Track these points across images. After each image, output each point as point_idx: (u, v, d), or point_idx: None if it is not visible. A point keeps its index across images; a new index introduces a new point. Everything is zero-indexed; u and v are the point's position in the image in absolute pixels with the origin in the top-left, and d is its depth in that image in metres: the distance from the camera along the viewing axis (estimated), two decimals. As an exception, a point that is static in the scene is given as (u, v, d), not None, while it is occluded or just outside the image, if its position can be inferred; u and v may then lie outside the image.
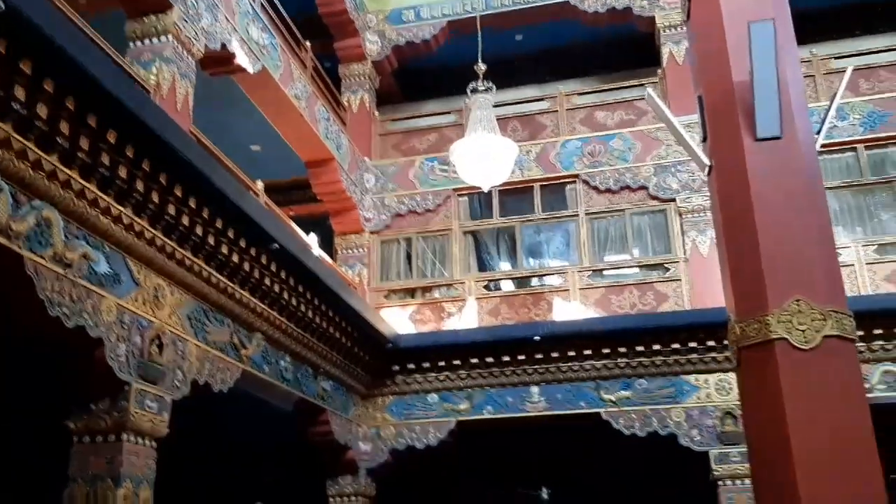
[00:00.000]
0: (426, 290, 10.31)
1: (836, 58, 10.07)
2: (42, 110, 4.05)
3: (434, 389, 9.11)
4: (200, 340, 5.80)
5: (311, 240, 8.46)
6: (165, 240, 5.25)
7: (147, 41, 6.42)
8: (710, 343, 8.39)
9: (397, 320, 9.73)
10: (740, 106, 4.61)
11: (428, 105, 11.63)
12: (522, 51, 11.67)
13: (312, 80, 9.65)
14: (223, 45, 7.25)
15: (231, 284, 6.09)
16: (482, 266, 10.59)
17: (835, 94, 5.16)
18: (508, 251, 10.58)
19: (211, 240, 5.68)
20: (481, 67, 8.55)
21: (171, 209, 5.20)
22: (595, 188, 10.11)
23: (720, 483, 8.14)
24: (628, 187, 9.99)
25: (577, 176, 10.22)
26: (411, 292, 10.35)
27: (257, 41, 8.01)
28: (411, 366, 9.12)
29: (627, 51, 11.01)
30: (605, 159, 10.17)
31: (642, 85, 10.27)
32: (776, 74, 4.46)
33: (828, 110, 4.99)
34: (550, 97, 10.94)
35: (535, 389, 8.84)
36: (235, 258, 6.00)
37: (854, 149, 9.58)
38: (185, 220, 5.35)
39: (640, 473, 10.07)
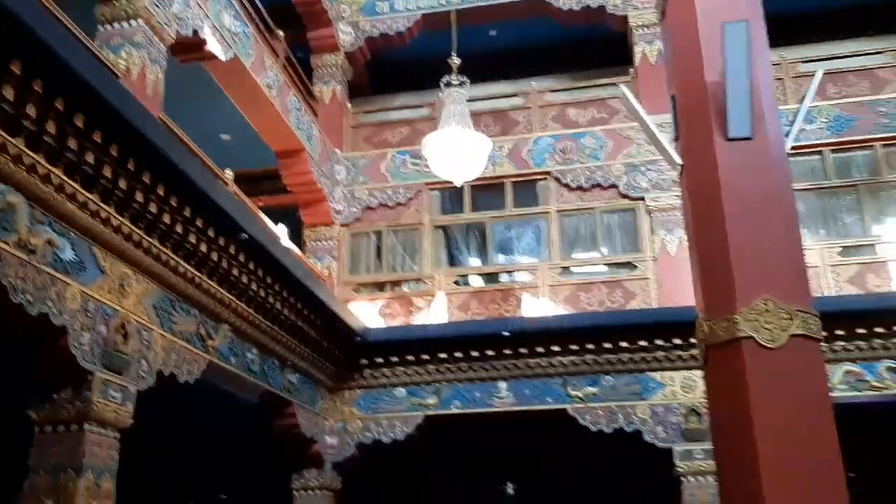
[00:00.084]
0: (396, 283, 10.28)
1: (805, 61, 10.20)
2: (8, 92, 3.97)
3: (402, 384, 9.10)
4: (166, 330, 5.73)
5: (280, 231, 8.39)
6: (132, 228, 5.18)
7: (117, 25, 6.31)
8: (677, 341, 8.48)
9: (366, 314, 9.69)
10: (713, 106, 4.63)
11: (400, 98, 11.58)
12: (496, 46, 11.67)
13: (284, 69, 9.57)
14: (195, 32, 7.15)
15: (199, 274, 6.03)
16: (452, 261, 10.58)
17: (804, 97, 5.22)
18: (479, 247, 10.58)
19: (179, 229, 5.60)
20: (455, 61, 8.53)
21: (139, 197, 5.12)
22: (566, 186, 10.15)
23: (683, 479, 8.23)
24: (599, 185, 10.04)
25: (548, 173, 10.25)
26: (381, 286, 10.31)
27: (229, 28, 7.91)
28: (379, 360, 9.09)
29: (601, 49, 11.06)
30: (577, 157, 10.21)
31: (615, 84, 10.27)
32: (748, 75, 4.50)
33: (798, 113, 5.04)
34: (523, 93, 10.95)
35: (502, 385, 8.86)
36: (203, 248, 5.93)
37: (820, 152, 9.73)
38: (153, 208, 5.28)
39: (606, 469, 10.16)
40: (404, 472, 10.67)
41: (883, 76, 10.00)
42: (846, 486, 3.90)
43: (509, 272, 10.29)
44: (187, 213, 5.60)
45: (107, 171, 4.78)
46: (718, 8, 4.81)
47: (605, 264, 9.90)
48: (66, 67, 4.13)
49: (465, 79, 8.42)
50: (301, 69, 10.39)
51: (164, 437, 8.76)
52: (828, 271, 9.05)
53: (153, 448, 8.63)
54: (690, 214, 4.81)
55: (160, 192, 5.26)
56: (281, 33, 9.54)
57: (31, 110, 4.13)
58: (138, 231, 5.24)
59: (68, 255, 4.67)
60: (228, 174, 7.26)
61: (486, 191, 10.38)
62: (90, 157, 4.62)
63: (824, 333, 4.35)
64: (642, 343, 8.56)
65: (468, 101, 8.72)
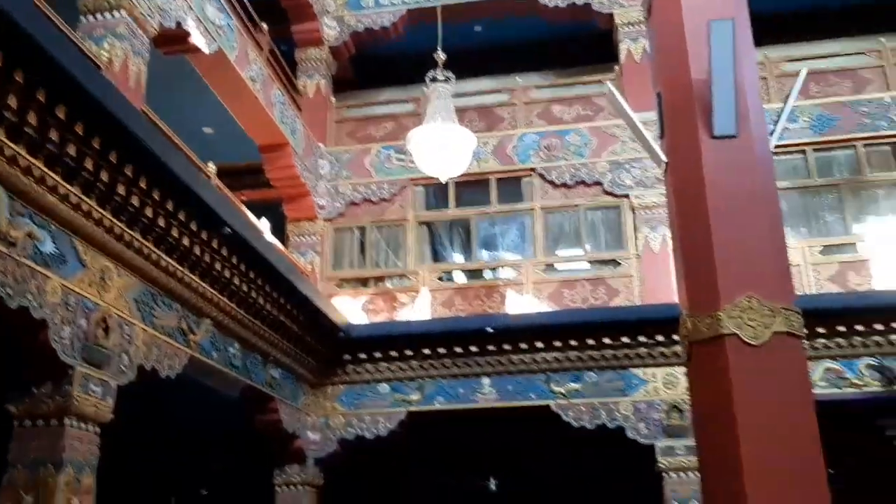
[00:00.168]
0: (379, 279, 10.26)
1: (788, 61, 10.26)
2: (-12, 82, 3.91)
3: (385, 379, 9.08)
4: (148, 325, 5.68)
5: (263, 225, 8.34)
6: (114, 220, 5.13)
7: (100, 16, 6.24)
8: (659, 338, 8.52)
9: (350, 309, 9.66)
10: (698, 103, 4.64)
11: (385, 93, 11.53)
12: (482, 42, 11.64)
13: (268, 63, 9.51)
14: (178, 24, 7.08)
15: (181, 268, 5.98)
16: (436, 257, 10.57)
17: (789, 95, 5.24)
18: (463, 243, 10.57)
19: (161, 222, 5.56)
20: (441, 56, 8.51)
21: (121, 189, 5.07)
22: (551, 182, 10.16)
23: (665, 475, 8.29)
24: (583, 182, 10.06)
25: (533, 170, 10.26)
26: (364, 282, 10.28)
27: (213, 21, 7.85)
28: (363, 355, 9.07)
29: (586, 46, 11.07)
30: (562, 154, 10.22)
31: (600, 81, 10.34)
32: (734, 73, 4.51)
33: (783, 111, 5.06)
34: (508, 90, 10.95)
35: (486, 381, 8.87)
36: (186, 242, 5.89)
37: (803, 151, 9.81)
38: (135, 201, 5.23)
39: (589, 466, 10.20)
40: (387, 468, 10.66)
41: (865, 76, 10.10)
42: (828, 483, 3.92)
43: (493, 269, 10.28)
44: (170, 206, 5.56)
45: (88, 164, 4.73)
46: (704, 6, 4.82)
47: (588, 261, 9.92)
48: (48, 58, 4.07)
49: (450, 74, 8.40)
50: (285, 63, 10.33)
51: (145, 432, 8.70)
52: (809, 270, 9.12)
53: (134, 443, 8.57)
54: (675, 212, 4.82)
55: (142, 184, 5.21)
56: (265, 26, 9.48)
57: (11, 101, 4.07)
58: (120, 224, 5.19)
59: (49, 247, 4.62)
60: (211, 168, 7.21)
61: (471, 187, 10.37)
62: (72, 149, 4.57)
63: (805, 331, 4.37)
64: (625, 340, 8.60)
65: (453, 96, 8.70)
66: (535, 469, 10.80)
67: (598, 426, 8.56)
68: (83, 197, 4.80)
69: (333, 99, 11.27)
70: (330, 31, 11.25)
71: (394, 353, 9.00)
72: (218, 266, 6.37)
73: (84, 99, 4.43)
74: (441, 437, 9.79)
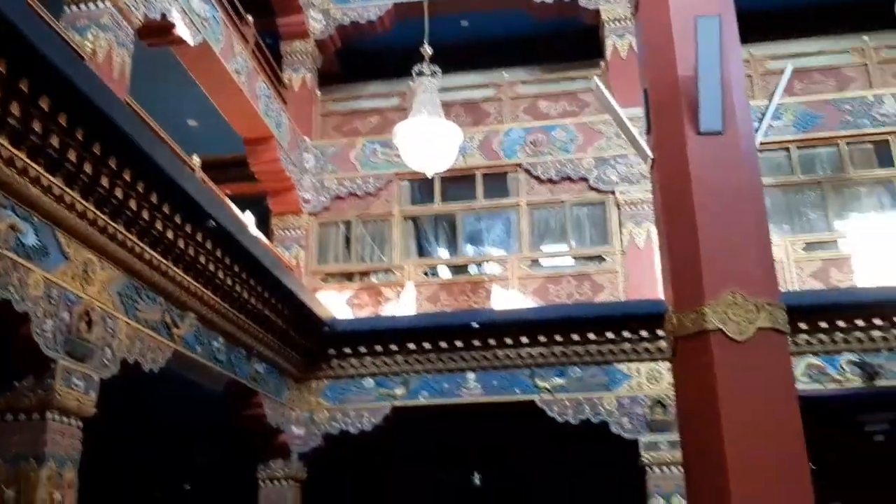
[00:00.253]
0: (364, 274, 10.24)
1: (772, 59, 10.31)
2: (-31, 72, 3.86)
3: (370, 374, 9.07)
4: (131, 318, 5.64)
5: (248, 219, 8.29)
6: (97, 213, 5.08)
7: (84, 6, 6.17)
8: (643, 333, 8.57)
9: (334, 304, 9.63)
10: (684, 100, 4.65)
11: (371, 87, 11.49)
12: (468, 37, 11.62)
13: (254, 55, 9.45)
14: (163, 15, 7.03)
15: (164, 262, 5.94)
16: (422, 252, 10.55)
17: (774, 92, 5.26)
18: (448, 238, 10.56)
19: (145, 215, 5.52)
20: (427, 50, 8.47)
21: (105, 181, 5.03)
22: (537, 178, 10.16)
23: (648, 470, 8.33)
24: (569, 178, 10.07)
25: (519, 165, 10.26)
26: (349, 276, 10.25)
27: (198, 13, 7.78)
28: (347, 350, 9.06)
29: (572, 42, 11.09)
30: (548, 149, 10.22)
31: (586, 77, 10.35)
32: (720, 70, 4.52)
33: (768, 108, 5.08)
34: (495, 85, 10.94)
35: (471, 376, 8.88)
36: (170, 235, 5.85)
37: (787, 148, 9.86)
38: (119, 194, 5.19)
39: (573, 460, 10.24)
40: (371, 462, 10.65)
41: (848, 74, 10.17)
42: (811, 480, 3.95)
43: (479, 264, 10.29)
44: (154, 199, 5.52)
45: (72, 155, 4.68)
46: (691, 2, 4.82)
47: (573, 257, 9.93)
48: (32, 48, 4.03)
49: (436, 68, 8.37)
50: (271, 56, 10.27)
51: (128, 426, 8.66)
52: (792, 266, 9.17)
53: (117, 438, 8.52)
54: (661, 207, 4.83)
55: (126, 177, 5.17)
56: (250, 19, 9.42)
57: (-7, 91, 4.03)
58: (103, 217, 5.14)
59: (31, 240, 4.58)
60: (196, 160, 7.16)
61: (457, 182, 10.35)
62: (55, 141, 4.53)
63: (788, 327, 4.39)
64: (609, 335, 8.63)
65: (439, 91, 8.67)
66: (520, 464, 10.82)
67: (583, 421, 8.59)
68: (66, 189, 4.76)
69: (319, 92, 11.22)
70: (316, 24, 11.20)
71: (379, 348, 8.99)
72: (202, 259, 6.33)
73: (68, 90, 4.38)
74: (426, 432, 9.80)
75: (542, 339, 8.71)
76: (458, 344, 8.83)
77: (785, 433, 4.01)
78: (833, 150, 9.84)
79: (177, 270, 6.11)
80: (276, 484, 8.72)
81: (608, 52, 10.47)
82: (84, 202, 4.93)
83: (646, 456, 8.35)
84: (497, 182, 10.36)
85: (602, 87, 5.16)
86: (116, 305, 5.45)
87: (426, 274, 10.08)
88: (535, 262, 9.91)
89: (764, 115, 5.02)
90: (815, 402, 7.64)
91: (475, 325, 8.72)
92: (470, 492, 11.36)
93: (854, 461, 9.65)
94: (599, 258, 9.72)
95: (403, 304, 9.73)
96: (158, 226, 5.67)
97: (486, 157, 10.36)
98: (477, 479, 11.15)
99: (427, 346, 8.88)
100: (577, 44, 11.03)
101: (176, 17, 7.24)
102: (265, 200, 10.34)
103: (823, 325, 8.31)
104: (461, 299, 9.68)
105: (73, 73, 4.38)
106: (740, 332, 4.18)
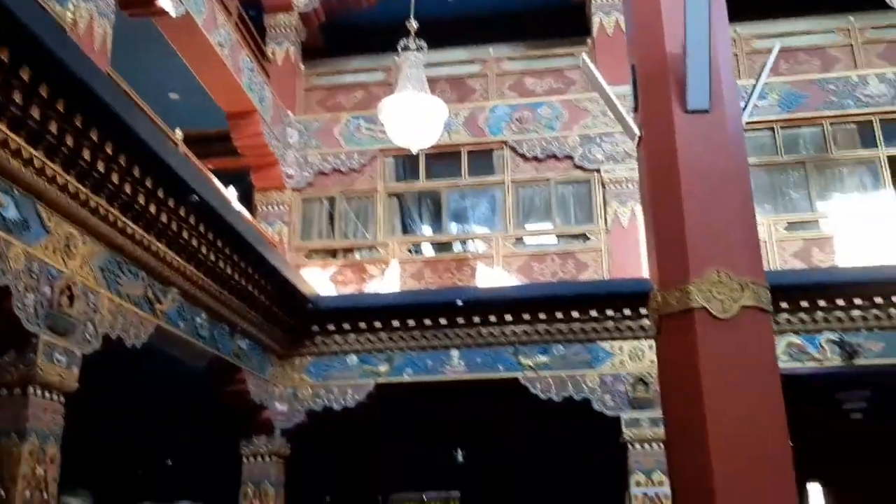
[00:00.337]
0: (348, 251, 10.20)
1: (758, 38, 10.31)
2: (-53, 41, 3.78)
3: (354, 351, 9.07)
4: (113, 293, 5.60)
5: (230, 194, 8.22)
6: (79, 186, 5.02)
7: (63, -25, 6.05)
8: (626, 312, 8.62)
9: (318, 280, 9.60)
10: (672, 77, 4.64)
11: (355, 61, 11.37)
12: (454, 12, 11.49)
13: (237, 28, 9.33)
14: (145, -15, 6.92)
15: (147, 236, 5.89)
16: (406, 229, 10.52)
17: (761, 71, 5.26)
18: (433, 215, 10.53)
19: (127, 189, 5.46)
20: (413, 25, 8.39)
21: (87, 154, 4.96)
22: (522, 156, 10.13)
23: (630, 446, 8.41)
24: (554, 156, 10.04)
25: (504, 142, 10.21)
26: (333, 253, 10.21)
27: (181, -16, 7.66)
28: (331, 327, 9.05)
29: (559, 19, 11.00)
30: (533, 127, 10.18)
31: (572, 54, 10.32)
32: (709, 47, 4.50)
33: (755, 87, 5.07)
34: (480, 61, 10.87)
35: (455, 353, 8.90)
36: (153, 209, 5.79)
37: (771, 128, 9.88)
38: (101, 167, 5.12)
39: (556, 437, 10.32)
40: (355, 439, 10.69)
41: (833, 54, 10.19)
42: (792, 458, 3.99)
43: (463, 242, 10.28)
44: (136, 172, 5.46)
45: (52, 127, 4.62)
46: (680, -21, 4.79)
47: (558, 235, 9.94)
48: (12, 18, 3.95)
49: (422, 43, 8.30)
50: (254, 28, 10.14)
51: (110, 402, 8.62)
52: (774, 246, 9.23)
53: (99, 413, 8.48)
54: (647, 185, 4.82)
55: (108, 150, 5.10)
56: (234, -9, 9.29)
57: (-28, 61, 3.95)
58: (85, 190, 5.08)
59: (12, 213, 4.52)
60: (178, 134, 7.07)
61: (442, 159, 10.30)
62: (35, 113, 4.46)
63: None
64: (593, 313, 8.67)
65: (425, 66, 8.60)
66: (503, 441, 10.90)
67: (565, 398, 8.65)
68: (47, 161, 4.69)
69: (303, 66, 11.11)
70: (300, -4, 11.06)
71: (363, 325, 8.98)
72: (185, 235, 6.28)
73: (48, 61, 4.31)
74: (409, 409, 9.83)
75: (525, 316, 8.73)
76: (443, 321, 8.84)
77: (767, 411, 4.04)
78: (817, 130, 9.87)
79: (159, 245, 6.06)
80: (259, 460, 8.73)
81: (595, 29, 10.42)
82: (65, 175, 4.87)
83: (627, 433, 8.43)
84: (482, 159, 10.32)
85: (589, 63, 5.13)
86: (98, 280, 5.41)
87: (410, 251, 10.05)
88: (519, 240, 9.90)
89: (750, 94, 5.01)
90: (794, 380, 7.70)
91: (459, 302, 8.73)
92: (453, 469, 11.45)
93: (832, 439, 9.78)
94: (584, 237, 9.73)
95: (387, 281, 9.71)
96: (141, 200, 5.62)
97: (472, 133, 10.31)
98: (460, 456, 11.22)
99: (411, 323, 8.89)
100: (564, 20, 10.96)
101: (158, -12, 7.12)
102: (248, 176, 10.25)
103: (804, 304, 8.39)
104: (445, 277, 9.67)
105: (54, 43, 4.30)
106: (724, 311, 4.19)
